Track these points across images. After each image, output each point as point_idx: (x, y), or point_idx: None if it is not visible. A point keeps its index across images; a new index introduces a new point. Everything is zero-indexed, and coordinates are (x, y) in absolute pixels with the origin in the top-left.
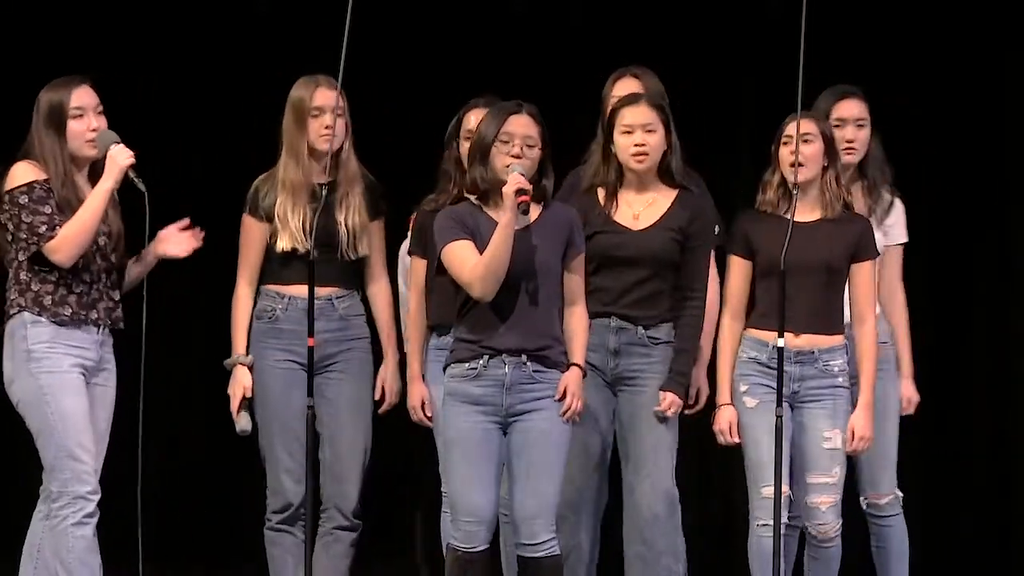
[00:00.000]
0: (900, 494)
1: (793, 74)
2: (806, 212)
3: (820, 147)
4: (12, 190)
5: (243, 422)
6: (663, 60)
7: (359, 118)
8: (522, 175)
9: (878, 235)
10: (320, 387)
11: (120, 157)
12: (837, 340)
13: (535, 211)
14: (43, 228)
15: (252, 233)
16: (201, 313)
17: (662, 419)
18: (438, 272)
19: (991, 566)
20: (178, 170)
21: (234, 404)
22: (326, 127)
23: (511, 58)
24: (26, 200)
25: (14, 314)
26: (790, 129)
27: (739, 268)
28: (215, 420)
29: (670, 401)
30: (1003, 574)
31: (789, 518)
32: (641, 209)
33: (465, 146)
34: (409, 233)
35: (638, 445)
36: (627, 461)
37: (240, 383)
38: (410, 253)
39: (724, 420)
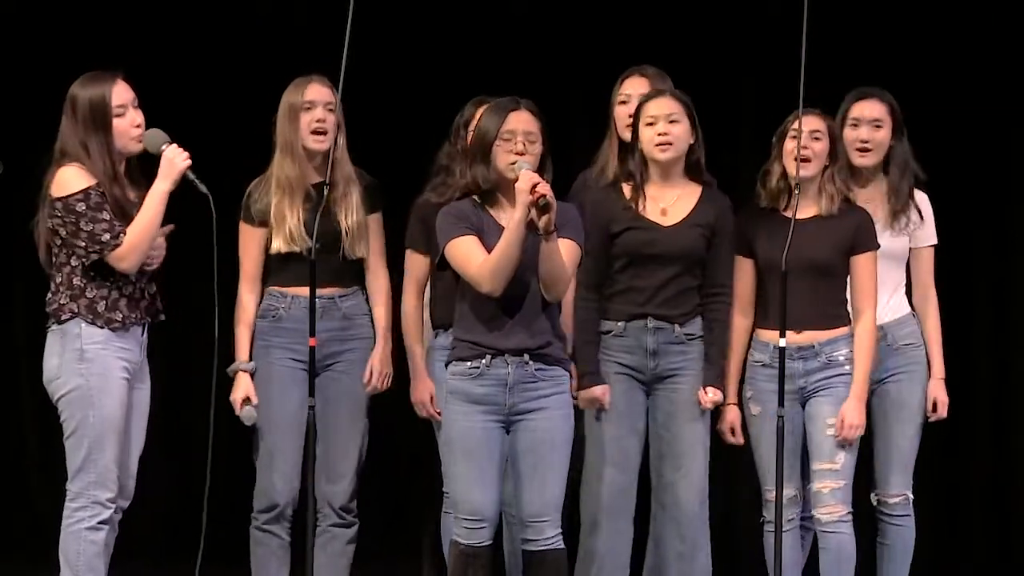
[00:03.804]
0: (911, 496)
1: (793, 73)
2: (802, 208)
3: (826, 145)
4: (67, 197)
5: (246, 413)
6: (663, 60)
7: (360, 118)
8: (530, 170)
9: (902, 239)
10: (321, 385)
11: (178, 159)
12: (839, 332)
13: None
14: (106, 236)
15: (249, 239)
16: (202, 314)
17: (699, 415)
18: (439, 268)
19: (994, 565)
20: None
21: (238, 409)
22: (317, 120)
23: (511, 58)
24: (84, 208)
25: (66, 319)
26: (797, 124)
27: (742, 266)
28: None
29: (713, 396)
30: (1006, 574)
31: (801, 518)
32: (667, 204)
33: None
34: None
35: (676, 442)
36: (663, 459)
37: (243, 390)
38: (408, 247)
39: (727, 421)
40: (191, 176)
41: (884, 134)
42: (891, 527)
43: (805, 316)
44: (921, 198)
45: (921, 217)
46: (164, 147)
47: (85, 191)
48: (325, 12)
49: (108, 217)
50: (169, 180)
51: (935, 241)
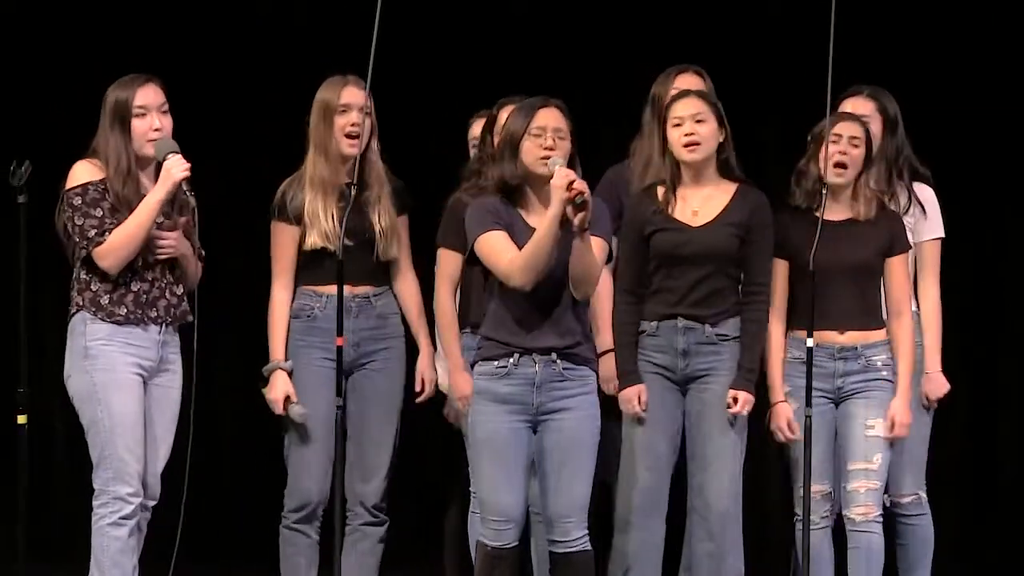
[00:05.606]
0: (924, 495)
1: (819, 72)
2: (837, 211)
3: (863, 151)
4: (69, 190)
5: (295, 411)
6: (683, 59)
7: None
8: (564, 167)
9: None
10: (356, 383)
11: (175, 170)
12: (880, 335)
13: None
14: (92, 232)
15: (283, 237)
16: (222, 313)
17: (731, 415)
18: (469, 262)
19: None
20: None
21: (279, 409)
22: (352, 124)
23: (532, 60)
24: (79, 202)
25: (74, 313)
26: (838, 128)
27: (778, 268)
28: (240, 418)
29: (743, 400)
30: None
31: (830, 514)
32: (699, 205)
33: None
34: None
35: (707, 443)
36: (694, 459)
37: (282, 388)
38: (441, 244)
39: (781, 417)
40: (185, 188)
41: (874, 129)
42: (907, 527)
43: (848, 317)
44: (924, 192)
45: (924, 211)
46: (168, 156)
47: (84, 186)
48: (325, 12)
49: (100, 214)
50: (163, 190)
51: (940, 234)
